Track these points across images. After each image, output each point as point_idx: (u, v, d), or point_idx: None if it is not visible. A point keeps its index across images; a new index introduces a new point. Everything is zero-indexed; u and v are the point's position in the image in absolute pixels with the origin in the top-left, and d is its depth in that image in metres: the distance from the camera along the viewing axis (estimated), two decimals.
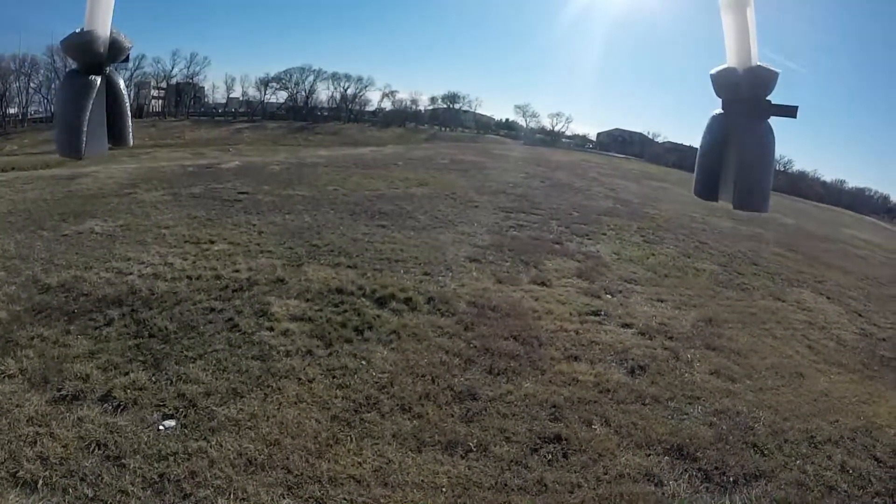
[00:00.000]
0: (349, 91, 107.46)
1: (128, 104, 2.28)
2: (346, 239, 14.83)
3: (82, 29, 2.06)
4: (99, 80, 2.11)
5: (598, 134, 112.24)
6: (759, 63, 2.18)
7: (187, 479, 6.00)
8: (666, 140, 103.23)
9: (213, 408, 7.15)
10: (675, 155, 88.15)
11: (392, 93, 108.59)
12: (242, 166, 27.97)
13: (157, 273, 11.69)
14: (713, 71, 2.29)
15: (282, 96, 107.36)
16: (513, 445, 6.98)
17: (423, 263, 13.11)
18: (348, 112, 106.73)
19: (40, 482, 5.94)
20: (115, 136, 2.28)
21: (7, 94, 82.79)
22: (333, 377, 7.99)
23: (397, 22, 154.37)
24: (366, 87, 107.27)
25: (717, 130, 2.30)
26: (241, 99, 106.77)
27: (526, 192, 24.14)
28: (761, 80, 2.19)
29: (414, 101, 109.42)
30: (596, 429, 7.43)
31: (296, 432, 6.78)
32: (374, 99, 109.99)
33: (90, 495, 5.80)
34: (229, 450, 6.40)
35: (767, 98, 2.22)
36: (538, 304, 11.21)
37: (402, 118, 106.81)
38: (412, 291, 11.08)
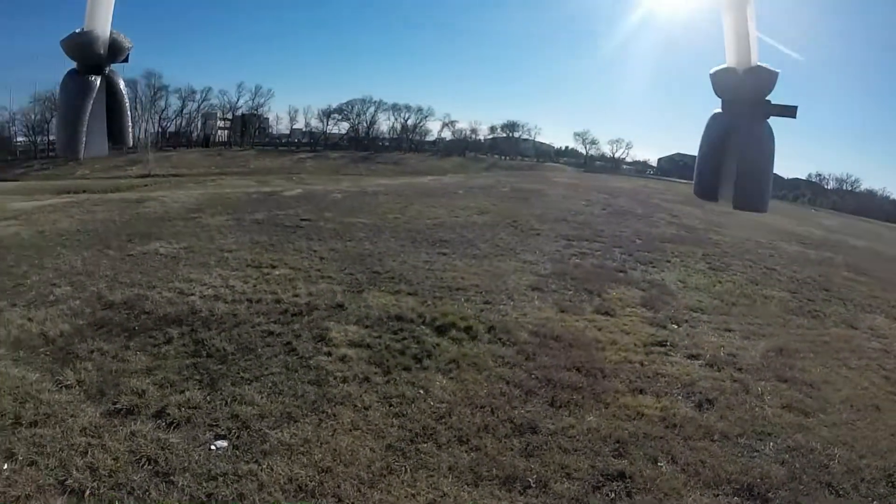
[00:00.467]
0: (409, 121, 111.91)
1: (128, 104, 2.27)
2: (407, 266, 14.84)
3: (82, 29, 2.07)
4: (98, 80, 2.13)
5: (659, 159, 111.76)
6: (759, 63, 2.20)
7: (235, 501, 5.92)
8: None
9: (266, 431, 7.08)
10: None
11: (452, 122, 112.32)
12: (305, 194, 28.60)
13: (218, 295, 11.90)
14: (713, 71, 2.32)
15: (343, 127, 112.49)
16: (574, 482, 6.62)
17: (484, 292, 12.93)
18: (409, 142, 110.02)
19: (87, 492, 6.00)
20: (115, 135, 2.27)
21: None
22: (390, 405, 7.82)
23: (455, 52, 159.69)
24: (426, 117, 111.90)
25: (717, 130, 2.33)
26: (303, 129, 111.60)
27: (588, 220, 23.78)
28: (761, 80, 2.22)
29: (473, 131, 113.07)
30: (662, 466, 7.00)
31: (349, 460, 6.61)
32: (433, 129, 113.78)
33: None
34: (280, 474, 6.29)
35: (767, 98, 2.25)
36: (602, 334, 10.84)
37: (462, 147, 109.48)
38: (473, 320, 10.89)
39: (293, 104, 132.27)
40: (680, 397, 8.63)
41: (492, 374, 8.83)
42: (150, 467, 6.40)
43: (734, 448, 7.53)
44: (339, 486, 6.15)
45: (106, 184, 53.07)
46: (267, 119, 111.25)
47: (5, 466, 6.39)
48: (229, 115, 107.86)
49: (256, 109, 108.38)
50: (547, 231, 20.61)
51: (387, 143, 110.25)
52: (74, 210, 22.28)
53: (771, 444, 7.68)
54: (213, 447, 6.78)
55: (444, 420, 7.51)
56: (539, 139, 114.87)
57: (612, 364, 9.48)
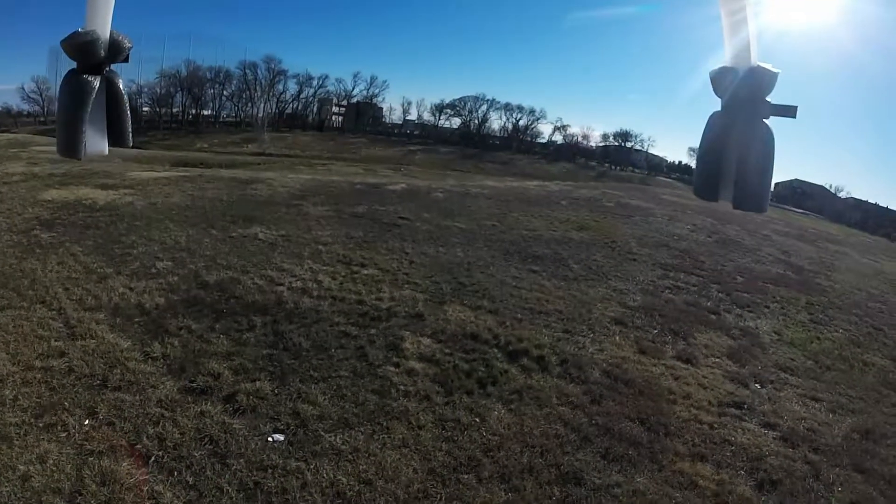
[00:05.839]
0: (521, 122, 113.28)
1: (127, 104, 2.38)
2: (494, 281, 15.05)
3: (82, 29, 2.15)
4: (98, 80, 2.21)
5: (776, 184, 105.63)
6: (759, 63, 2.26)
7: (278, 494, 6.47)
8: (849, 195, 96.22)
9: (322, 433, 7.62)
10: (859, 213, 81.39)
11: (563, 126, 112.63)
12: (408, 190, 29.23)
13: (306, 289, 12.74)
14: (712, 70, 2.38)
15: (455, 122, 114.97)
16: None
17: (565, 319, 12.90)
18: (519, 142, 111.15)
19: (152, 459, 6.82)
20: (115, 136, 2.38)
21: (203, 98, 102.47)
22: (443, 428, 8.08)
23: (571, 58, 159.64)
24: (538, 119, 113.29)
25: (717, 130, 2.39)
26: (415, 122, 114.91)
27: (690, 248, 22.61)
28: (761, 80, 2.27)
29: (585, 137, 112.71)
30: None
31: (391, 476, 6.97)
32: (545, 131, 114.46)
33: (190, 482, 6.52)
34: (324, 477, 6.78)
35: (767, 98, 2.30)
36: (677, 384, 10.46)
37: (572, 153, 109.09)
38: (547, 349, 10.96)
39: (407, 96, 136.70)
40: (742, 472, 8.05)
41: (552, 413, 8.86)
42: (211, 447, 7.14)
43: None
44: (374, 501, 6.57)
45: (221, 159, 56.11)
46: (381, 108, 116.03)
47: (86, 422, 7.34)
48: (344, 102, 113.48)
49: (371, 99, 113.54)
50: (645, 257, 19.98)
51: (497, 142, 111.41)
52: (187, 185, 24.17)
53: None
54: (270, 439, 7.43)
55: (491, 453, 7.66)
56: (652, 151, 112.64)
57: (679, 421, 9.16)
